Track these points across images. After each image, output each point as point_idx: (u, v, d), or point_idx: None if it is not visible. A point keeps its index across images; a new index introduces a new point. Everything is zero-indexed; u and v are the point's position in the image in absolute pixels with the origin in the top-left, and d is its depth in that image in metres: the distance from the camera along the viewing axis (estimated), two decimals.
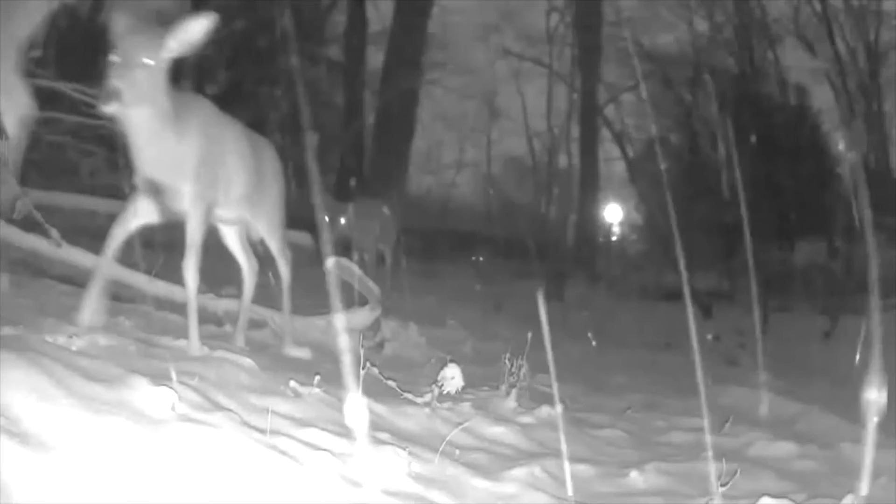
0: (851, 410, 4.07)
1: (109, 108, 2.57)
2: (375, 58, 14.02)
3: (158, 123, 2.73)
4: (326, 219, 7.04)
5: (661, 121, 17.02)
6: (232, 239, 3.66)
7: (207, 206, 3.00)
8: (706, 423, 3.76)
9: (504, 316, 7.40)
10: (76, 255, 3.98)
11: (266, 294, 4.49)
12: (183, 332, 3.10)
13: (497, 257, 14.44)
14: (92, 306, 2.90)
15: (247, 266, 3.68)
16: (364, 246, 7.27)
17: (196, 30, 2.66)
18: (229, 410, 2.09)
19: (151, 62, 2.62)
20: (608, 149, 15.86)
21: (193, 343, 2.98)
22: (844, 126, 14.32)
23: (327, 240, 6.99)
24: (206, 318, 3.72)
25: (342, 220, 7.15)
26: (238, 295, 3.79)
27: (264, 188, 3.47)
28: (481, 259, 13.50)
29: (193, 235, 2.95)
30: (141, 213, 2.96)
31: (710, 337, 8.67)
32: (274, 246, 3.64)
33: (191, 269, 2.96)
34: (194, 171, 2.90)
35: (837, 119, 14.76)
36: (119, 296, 4.12)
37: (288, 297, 3.76)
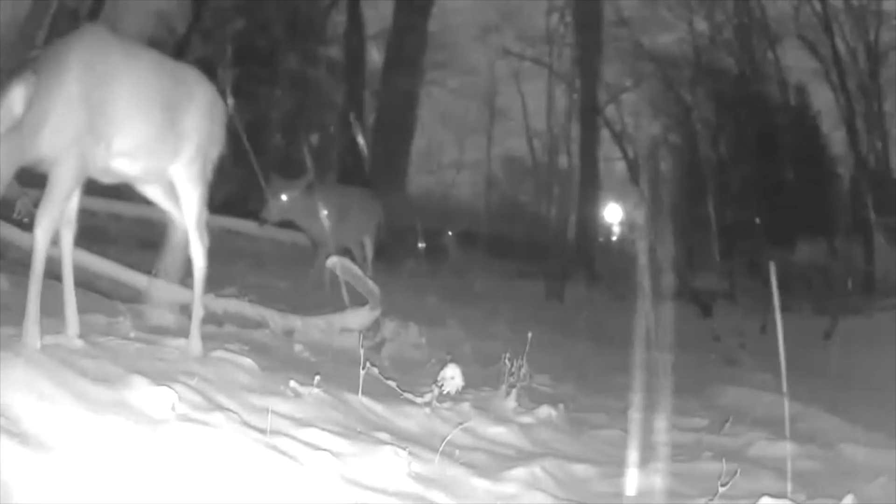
0: (851, 410, 4.09)
1: None
2: (375, 58, 14.04)
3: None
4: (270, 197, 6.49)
5: (661, 121, 17.03)
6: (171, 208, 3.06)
7: (81, 154, 2.52)
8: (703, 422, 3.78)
9: (504, 316, 7.38)
10: (76, 255, 3.96)
11: (265, 294, 4.50)
12: (183, 332, 3.09)
13: (495, 256, 14.43)
14: (73, 316, 2.70)
15: (195, 242, 3.03)
16: (324, 234, 6.84)
17: (17, 100, 2.31)
18: (229, 410, 2.09)
19: None
20: (608, 149, 15.84)
21: (29, 329, 2.39)
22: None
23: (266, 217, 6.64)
24: (205, 318, 3.68)
25: (283, 198, 6.66)
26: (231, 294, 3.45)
27: (183, 134, 2.88)
28: (450, 234, 13.29)
29: (57, 183, 2.47)
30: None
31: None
32: (190, 214, 2.97)
33: (44, 222, 2.44)
34: (68, 115, 2.46)
35: (837, 119, 14.76)
36: (119, 296, 4.13)
37: (201, 286, 3.06)
